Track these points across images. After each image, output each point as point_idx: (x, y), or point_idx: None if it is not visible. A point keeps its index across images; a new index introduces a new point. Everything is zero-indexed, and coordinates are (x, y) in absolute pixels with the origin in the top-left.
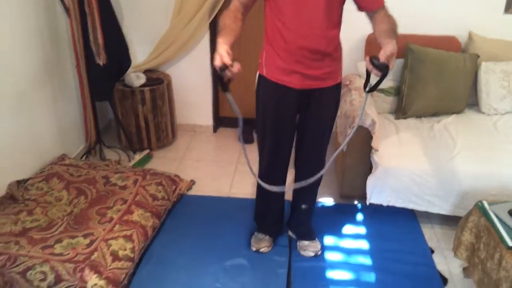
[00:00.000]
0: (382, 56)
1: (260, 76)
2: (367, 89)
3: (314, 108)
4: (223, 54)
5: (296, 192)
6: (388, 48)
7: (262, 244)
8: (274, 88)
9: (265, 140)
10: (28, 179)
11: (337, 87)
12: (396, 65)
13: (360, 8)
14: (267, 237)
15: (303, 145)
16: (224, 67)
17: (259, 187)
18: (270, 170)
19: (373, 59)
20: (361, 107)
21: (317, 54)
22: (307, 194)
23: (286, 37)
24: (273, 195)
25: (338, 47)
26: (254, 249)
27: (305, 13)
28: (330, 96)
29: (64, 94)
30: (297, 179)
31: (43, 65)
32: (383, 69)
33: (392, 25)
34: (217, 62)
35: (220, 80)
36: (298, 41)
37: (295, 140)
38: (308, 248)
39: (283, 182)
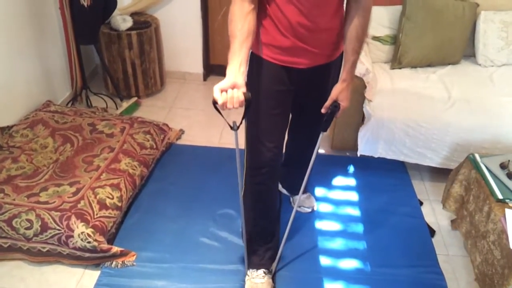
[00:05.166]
0: (330, 101)
1: (253, 56)
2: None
3: (321, 82)
4: (216, 92)
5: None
6: (342, 103)
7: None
8: (274, 71)
9: (259, 125)
10: (12, 126)
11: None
12: (393, 12)
13: None
14: (266, 277)
15: (303, 125)
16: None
17: (246, 207)
18: (266, 162)
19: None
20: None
21: (323, 33)
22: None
23: (286, 12)
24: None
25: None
26: None
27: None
28: (337, 65)
29: (48, 37)
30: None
31: (25, 7)
32: (332, 108)
33: (362, 37)
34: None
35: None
36: (299, 17)
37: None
38: (304, 205)
39: (278, 178)
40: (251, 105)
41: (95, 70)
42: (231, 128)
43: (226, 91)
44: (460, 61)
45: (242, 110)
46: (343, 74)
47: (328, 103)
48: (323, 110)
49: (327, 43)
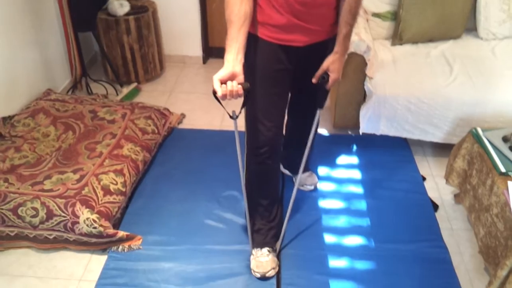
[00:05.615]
0: (320, 71)
1: (250, 35)
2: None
3: (319, 60)
4: (215, 84)
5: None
6: (332, 75)
7: (268, 265)
8: (271, 49)
9: (258, 105)
10: (13, 116)
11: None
12: None
13: None
14: (271, 255)
15: (301, 105)
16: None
17: (249, 181)
18: (265, 142)
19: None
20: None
21: (319, 8)
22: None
23: None
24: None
25: None
26: (258, 275)
27: None
28: (335, 42)
29: (46, 26)
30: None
31: None
32: (320, 79)
33: (355, 10)
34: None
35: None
36: None
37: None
38: (306, 183)
39: (279, 156)
40: (249, 93)
41: (94, 57)
42: (231, 117)
43: (226, 83)
44: (462, 36)
45: (241, 99)
46: (336, 46)
47: (318, 73)
48: (313, 80)
49: (324, 18)
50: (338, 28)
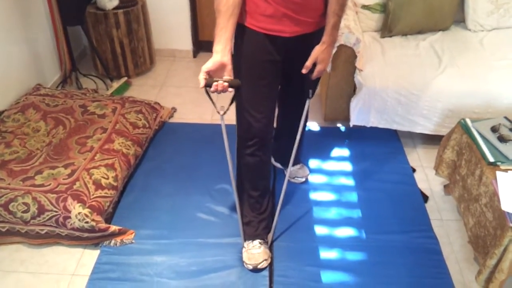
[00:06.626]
0: (310, 60)
1: (238, 25)
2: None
3: (308, 51)
4: (201, 76)
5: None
6: (319, 65)
7: (260, 257)
8: (259, 40)
9: (247, 96)
10: (3, 111)
11: None
12: None
13: None
14: (262, 247)
15: (290, 98)
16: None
17: (239, 176)
18: (256, 130)
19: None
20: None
21: None
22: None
23: None
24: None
25: None
26: (250, 267)
27: None
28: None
29: (34, 21)
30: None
31: None
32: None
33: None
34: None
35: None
36: None
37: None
38: (297, 175)
39: (270, 148)
40: (238, 89)
41: (83, 51)
42: (218, 112)
43: (214, 74)
44: (450, 27)
45: (230, 94)
46: (323, 37)
47: (309, 62)
48: (303, 71)
49: (313, 8)
50: (326, 18)
